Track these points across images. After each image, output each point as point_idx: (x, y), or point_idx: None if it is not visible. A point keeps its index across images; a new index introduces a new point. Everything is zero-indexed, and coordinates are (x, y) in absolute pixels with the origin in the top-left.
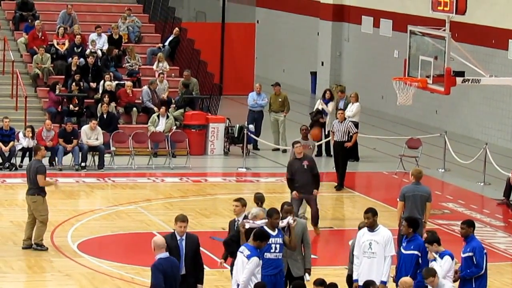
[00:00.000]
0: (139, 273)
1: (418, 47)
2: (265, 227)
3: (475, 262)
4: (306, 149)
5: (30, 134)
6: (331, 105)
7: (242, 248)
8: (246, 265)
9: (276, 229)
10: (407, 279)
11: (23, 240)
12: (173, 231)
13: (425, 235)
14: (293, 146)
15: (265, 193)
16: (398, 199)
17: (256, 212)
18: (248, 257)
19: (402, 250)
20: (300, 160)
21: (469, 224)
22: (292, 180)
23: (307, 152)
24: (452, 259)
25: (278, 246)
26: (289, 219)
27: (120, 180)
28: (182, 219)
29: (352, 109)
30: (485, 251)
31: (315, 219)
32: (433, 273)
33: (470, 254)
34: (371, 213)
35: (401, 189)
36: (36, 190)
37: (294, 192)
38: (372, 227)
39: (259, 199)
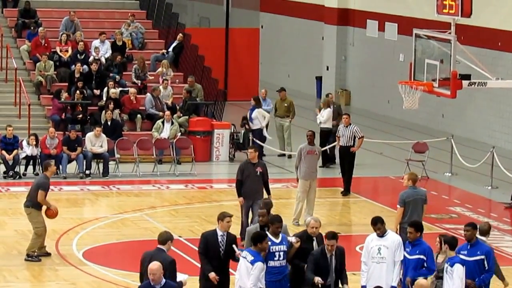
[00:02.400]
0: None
1: (424, 50)
2: (268, 234)
3: (487, 267)
4: (312, 154)
5: (34, 142)
6: (256, 112)
7: (244, 253)
8: (251, 271)
9: (280, 237)
10: (423, 282)
11: (37, 250)
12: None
13: (438, 239)
14: (248, 149)
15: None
16: (398, 205)
17: (308, 220)
18: (252, 262)
19: (407, 255)
20: (254, 165)
21: (474, 226)
22: (241, 183)
23: (313, 157)
24: (463, 266)
25: (281, 253)
26: (292, 239)
27: (125, 188)
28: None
29: (323, 115)
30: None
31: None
32: None
33: (482, 257)
34: (380, 223)
35: (400, 194)
36: (31, 203)
37: (241, 199)
38: (382, 234)
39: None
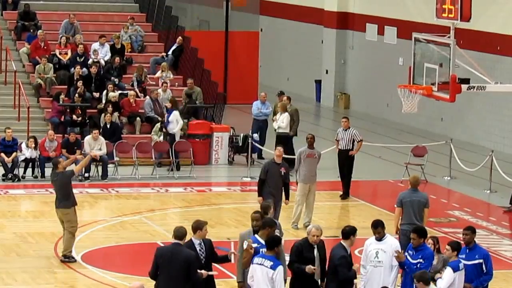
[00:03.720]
0: (144, 284)
1: (423, 54)
2: (257, 237)
3: (485, 270)
4: (311, 157)
5: (33, 145)
6: (172, 115)
7: (260, 260)
8: (275, 276)
9: None
10: None
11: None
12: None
13: (430, 241)
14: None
15: None
16: (395, 205)
17: (309, 228)
18: (273, 267)
19: (410, 259)
20: (278, 165)
21: (473, 230)
22: (264, 182)
23: (313, 161)
24: (454, 271)
25: None
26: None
27: (124, 191)
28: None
29: (282, 120)
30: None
31: None
32: (425, 279)
33: (480, 261)
34: (380, 226)
35: (398, 195)
36: (67, 203)
37: (260, 198)
38: (381, 237)
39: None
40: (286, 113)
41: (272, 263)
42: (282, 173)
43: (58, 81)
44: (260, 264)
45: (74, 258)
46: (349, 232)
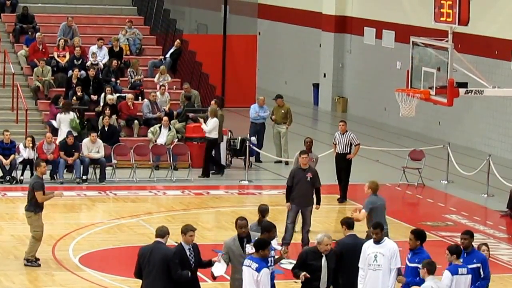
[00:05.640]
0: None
1: (421, 58)
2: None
3: (483, 274)
4: (309, 161)
5: (31, 145)
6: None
7: (248, 262)
8: (259, 278)
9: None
10: None
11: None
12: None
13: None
14: (300, 155)
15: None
16: (363, 210)
17: (320, 238)
18: (258, 270)
19: (408, 263)
20: (304, 171)
21: (471, 234)
22: (291, 189)
23: (310, 164)
24: (452, 274)
25: (272, 259)
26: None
27: (122, 193)
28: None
29: (208, 124)
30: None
31: (306, 239)
32: (433, 267)
33: (478, 265)
34: (379, 228)
35: (366, 201)
36: (31, 206)
37: (288, 204)
38: (378, 240)
39: (263, 211)
40: (215, 119)
41: (257, 265)
42: (309, 179)
43: (56, 83)
44: (248, 266)
45: (37, 263)
46: (353, 223)
